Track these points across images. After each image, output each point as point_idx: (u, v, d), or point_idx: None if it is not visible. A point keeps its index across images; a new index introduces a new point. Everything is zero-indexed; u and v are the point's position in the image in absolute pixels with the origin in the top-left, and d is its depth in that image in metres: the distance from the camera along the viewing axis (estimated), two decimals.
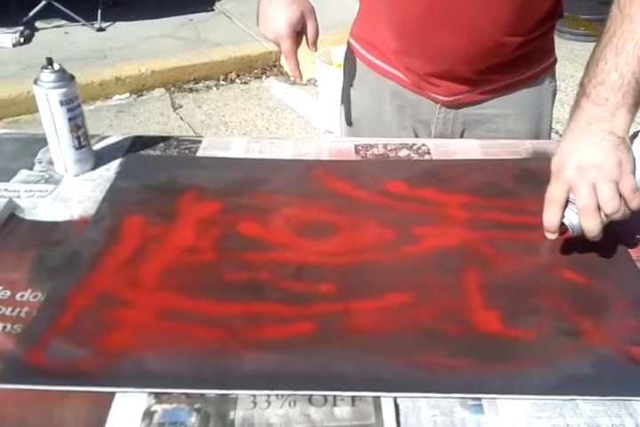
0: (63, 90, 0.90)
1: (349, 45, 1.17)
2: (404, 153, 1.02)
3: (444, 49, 0.98)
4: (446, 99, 1.07)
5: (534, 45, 1.02)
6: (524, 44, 0.99)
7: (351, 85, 1.18)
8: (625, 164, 0.71)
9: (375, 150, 1.03)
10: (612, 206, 0.70)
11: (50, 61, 0.90)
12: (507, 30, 0.96)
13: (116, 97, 3.13)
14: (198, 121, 2.96)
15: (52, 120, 0.92)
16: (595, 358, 0.64)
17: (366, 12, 1.10)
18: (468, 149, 1.03)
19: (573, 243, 0.81)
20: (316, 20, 1.00)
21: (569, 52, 3.50)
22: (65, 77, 0.91)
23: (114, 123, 2.90)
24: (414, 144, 1.04)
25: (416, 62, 1.04)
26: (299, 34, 0.99)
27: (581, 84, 0.75)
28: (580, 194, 0.71)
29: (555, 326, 0.68)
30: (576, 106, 0.75)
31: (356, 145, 1.04)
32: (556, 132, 2.79)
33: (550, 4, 0.98)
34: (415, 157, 1.01)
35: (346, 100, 1.20)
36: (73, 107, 0.92)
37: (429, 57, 1.01)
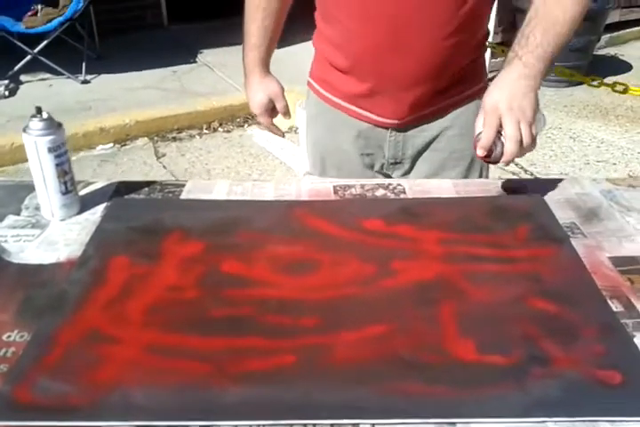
0: (51, 137, 0.94)
1: (309, 84, 1.30)
2: (380, 192, 1.06)
3: (395, 73, 1.13)
4: (393, 122, 1.20)
5: (468, 70, 1.19)
6: (460, 68, 1.17)
7: (312, 122, 1.33)
8: (537, 113, 0.97)
9: (353, 190, 1.07)
10: (528, 139, 0.94)
11: (39, 110, 0.94)
12: (447, 57, 1.12)
13: (100, 147, 3.17)
14: (182, 169, 3.00)
15: (40, 166, 0.95)
16: (564, 381, 0.67)
17: (322, 52, 1.24)
18: (441, 188, 1.08)
19: (544, 275, 0.84)
20: (283, 99, 1.31)
21: (541, 97, 3.62)
22: (53, 125, 0.94)
23: (97, 172, 2.92)
24: (390, 184, 1.09)
25: (369, 87, 1.17)
26: (274, 108, 1.32)
27: (514, 50, 0.99)
28: (510, 126, 0.93)
29: (526, 352, 0.71)
30: (509, 63, 0.98)
31: (334, 186, 1.08)
32: (519, 166, 2.85)
33: (480, 37, 1.18)
34: (391, 196, 1.05)
35: (309, 136, 1.35)
36: (60, 153, 0.95)
37: (381, 82, 1.15)
